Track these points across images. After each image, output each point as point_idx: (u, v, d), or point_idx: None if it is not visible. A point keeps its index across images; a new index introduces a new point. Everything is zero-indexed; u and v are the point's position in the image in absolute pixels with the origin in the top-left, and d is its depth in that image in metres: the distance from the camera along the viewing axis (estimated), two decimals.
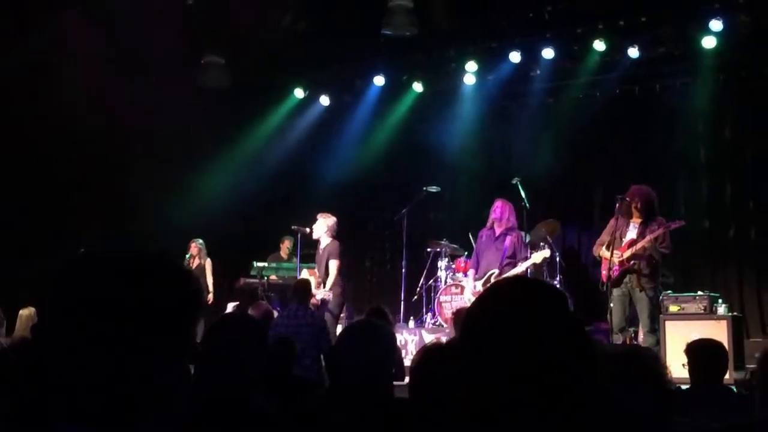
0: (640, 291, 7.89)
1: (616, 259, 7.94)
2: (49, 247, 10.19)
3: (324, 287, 9.54)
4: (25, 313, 9.44)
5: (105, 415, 1.31)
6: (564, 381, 1.39)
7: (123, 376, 1.32)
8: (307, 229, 10.22)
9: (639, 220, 8.02)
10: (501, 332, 1.43)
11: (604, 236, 8.18)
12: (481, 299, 1.52)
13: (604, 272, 8.13)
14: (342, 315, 10.30)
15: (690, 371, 4.72)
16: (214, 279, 11.64)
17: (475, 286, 9.72)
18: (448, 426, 1.52)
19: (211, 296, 11.41)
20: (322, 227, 9.88)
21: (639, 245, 7.83)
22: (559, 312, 1.46)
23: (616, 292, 8.01)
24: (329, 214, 9.97)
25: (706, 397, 4.48)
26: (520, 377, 1.39)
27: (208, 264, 11.61)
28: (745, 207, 10.62)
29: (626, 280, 7.97)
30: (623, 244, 7.96)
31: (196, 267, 11.38)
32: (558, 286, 9.95)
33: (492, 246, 9.52)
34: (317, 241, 9.99)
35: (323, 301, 9.46)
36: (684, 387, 4.97)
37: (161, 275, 1.40)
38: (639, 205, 7.98)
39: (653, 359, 2.41)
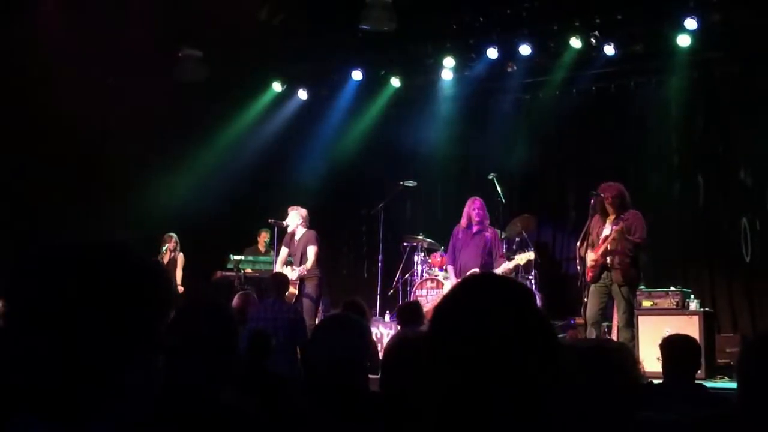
0: (618, 286, 7.95)
1: (589, 259, 8.00)
2: (23, 241, 10.07)
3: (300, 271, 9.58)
4: None
5: (66, 410, 1.28)
6: (528, 377, 1.41)
7: (86, 371, 1.28)
8: (284, 223, 10.22)
9: (613, 217, 8.07)
10: (467, 327, 1.45)
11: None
12: (450, 294, 1.54)
13: (588, 270, 8.16)
14: (319, 308, 10.30)
15: (663, 366, 4.78)
16: (183, 273, 11.55)
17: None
18: (417, 417, 1.53)
19: (180, 289, 11.33)
20: (296, 219, 9.95)
21: (608, 240, 7.90)
22: (525, 309, 1.48)
23: (593, 286, 8.06)
24: (299, 207, 10.05)
25: (678, 392, 4.53)
26: (484, 372, 1.41)
27: (180, 258, 11.53)
28: (716, 202, 10.72)
29: (604, 275, 8.02)
30: (599, 243, 8.03)
31: (169, 260, 11.30)
32: (533, 281, 10.02)
33: (470, 243, 9.44)
34: (291, 236, 10.01)
35: (301, 283, 9.51)
36: (657, 381, 5.04)
37: (128, 267, 1.36)
38: (610, 200, 8.03)
39: (624, 354, 2.41)
